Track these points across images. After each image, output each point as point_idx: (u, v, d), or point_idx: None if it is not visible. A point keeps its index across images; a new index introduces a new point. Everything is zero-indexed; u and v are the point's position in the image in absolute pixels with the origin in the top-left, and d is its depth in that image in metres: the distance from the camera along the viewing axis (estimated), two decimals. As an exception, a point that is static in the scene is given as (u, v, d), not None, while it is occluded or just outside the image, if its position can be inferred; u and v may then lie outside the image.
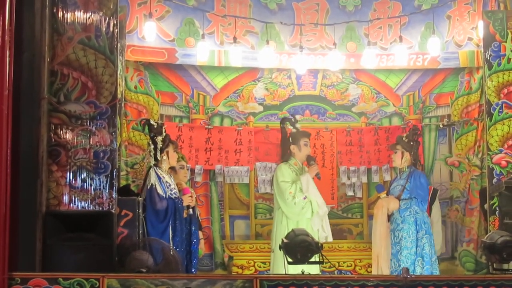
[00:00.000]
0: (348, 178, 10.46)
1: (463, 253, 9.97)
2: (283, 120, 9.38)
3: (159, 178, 8.16)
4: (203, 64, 10.15)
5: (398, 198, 8.81)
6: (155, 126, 8.35)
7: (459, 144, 10.19)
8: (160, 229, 7.97)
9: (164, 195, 8.09)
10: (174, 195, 8.19)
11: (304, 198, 8.88)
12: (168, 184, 8.19)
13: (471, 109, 10.10)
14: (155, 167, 8.21)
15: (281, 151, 9.27)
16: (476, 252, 9.81)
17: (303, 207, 8.88)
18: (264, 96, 10.52)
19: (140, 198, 7.79)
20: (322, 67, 10.39)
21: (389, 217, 8.86)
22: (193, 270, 8.20)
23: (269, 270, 9.28)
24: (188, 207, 8.24)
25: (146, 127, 8.45)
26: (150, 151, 8.31)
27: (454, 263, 10.00)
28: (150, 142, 8.33)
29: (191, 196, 8.35)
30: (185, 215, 8.19)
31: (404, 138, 8.99)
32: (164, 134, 8.32)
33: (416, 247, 8.59)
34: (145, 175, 8.45)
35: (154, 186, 8.09)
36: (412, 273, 7.94)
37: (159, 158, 8.25)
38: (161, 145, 8.25)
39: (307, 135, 9.24)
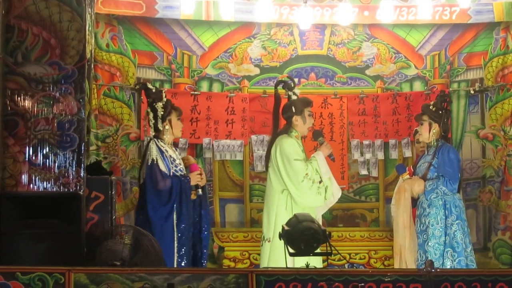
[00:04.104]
0: (361, 154, 10.50)
1: (497, 243, 10.01)
2: (277, 83, 9.25)
3: (161, 152, 8.17)
4: (188, 17, 10.13)
5: (424, 178, 8.79)
6: (154, 91, 8.42)
7: (494, 114, 10.21)
8: (163, 213, 8.02)
9: (168, 172, 8.12)
10: (179, 172, 8.20)
11: (320, 182, 8.78)
12: (172, 159, 8.22)
13: (508, 72, 10.12)
14: (155, 139, 8.23)
15: (274, 121, 9.12)
16: (513, 242, 9.88)
17: (319, 193, 8.77)
18: (261, 56, 10.53)
19: (114, 177, 7.81)
20: (330, 22, 10.38)
21: (415, 201, 8.86)
22: (203, 262, 8.28)
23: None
24: (196, 186, 8.26)
25: (144, 93, 8.48)
26: (149, 121, 8.35)
27: (487, 255, 10.04)
28: (149, 110, 8.38)
29: (200, 174, 8.36)
30: (193, 197, 8.21)
31: (431, 107, 8.97)
32: (165, 99, 8.36)
33: (445, 236, 8.60)
34: (144, 149, 8.50)
35: (155, 162, 8.12)
36: (439, 267, 7.97)
37: (160, 128, 8.27)
38: (162, 113, 8.28)
39: (311, 104, 9.12)
